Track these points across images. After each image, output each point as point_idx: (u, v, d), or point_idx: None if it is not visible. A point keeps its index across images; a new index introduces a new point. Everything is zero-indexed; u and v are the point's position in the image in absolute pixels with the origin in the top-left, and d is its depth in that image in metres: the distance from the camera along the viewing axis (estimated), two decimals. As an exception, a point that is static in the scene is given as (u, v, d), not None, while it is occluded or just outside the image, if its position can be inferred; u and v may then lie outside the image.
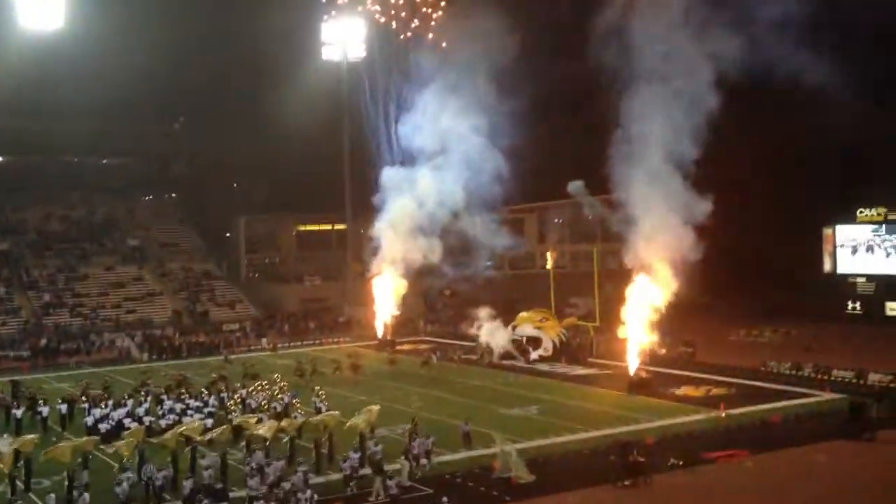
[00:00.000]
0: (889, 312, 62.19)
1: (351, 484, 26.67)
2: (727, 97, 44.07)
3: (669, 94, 43.92)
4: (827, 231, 67.02)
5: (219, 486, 25.48)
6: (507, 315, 56.47)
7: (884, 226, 63.63)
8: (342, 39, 73.64)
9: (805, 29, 43.71)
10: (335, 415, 31.46)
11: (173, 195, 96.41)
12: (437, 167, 61.57)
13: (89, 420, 35.03)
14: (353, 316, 73.46)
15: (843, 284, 65.75)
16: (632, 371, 43.49)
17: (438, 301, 79.55)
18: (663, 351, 51.46)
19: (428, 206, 61.56)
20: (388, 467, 27.02)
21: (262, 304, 77.83)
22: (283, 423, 30.72)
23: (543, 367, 50.85)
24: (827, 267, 66.98)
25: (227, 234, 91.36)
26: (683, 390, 42.01)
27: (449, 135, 61.19)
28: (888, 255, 63.15)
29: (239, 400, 37.43)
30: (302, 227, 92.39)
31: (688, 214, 43.48)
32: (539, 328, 53.99)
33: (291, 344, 64.37)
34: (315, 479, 26.87)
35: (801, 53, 44.04)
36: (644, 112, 44.35)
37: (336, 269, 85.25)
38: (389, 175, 63.43)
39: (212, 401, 37.56)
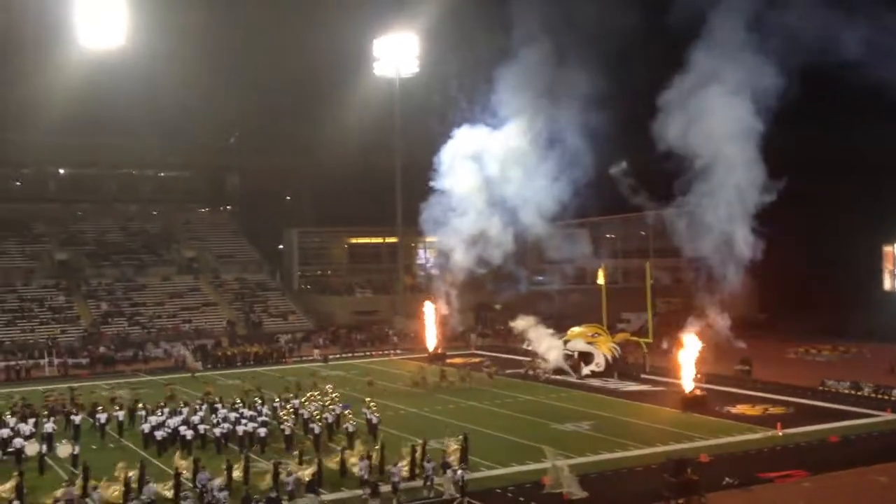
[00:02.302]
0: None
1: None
2: (793, 103, 43.66)
3: (736, 100, 43.73)
4: (887, 248, 65.49)
5: (273, 494, 25.69)
6: (559, 330, 56.22)
7: (947, 243, 62.09)
8: (394, 55, 74.18)
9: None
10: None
11: (228, 207, 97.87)
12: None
13: (146, 427, 35.59)
14: (403, 328, 73.73)
15: (903, 303, 64.17)
16: (686, 388, 42.89)
17: (488, 314, 79.48)
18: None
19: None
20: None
21: (315, 316, 78.54)
22: None
23: (595, 382, 50.44)
24: (887, 285, 65.42)
25: (280, 247, 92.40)
26: (739, 408, 41.30)
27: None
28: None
29: (291, 410, 37.70)
30: (353, 240, 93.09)
31: (749, 231, 43.27)
32: (591, 343, 53.59)
33: (343, 355, 64.83)
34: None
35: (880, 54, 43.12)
36: (708, 122, 44.15)
37: (387, 282, 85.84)
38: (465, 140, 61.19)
39: (265, 410, 37.93)
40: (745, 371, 50.77)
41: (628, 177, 54.49)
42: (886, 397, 42.39)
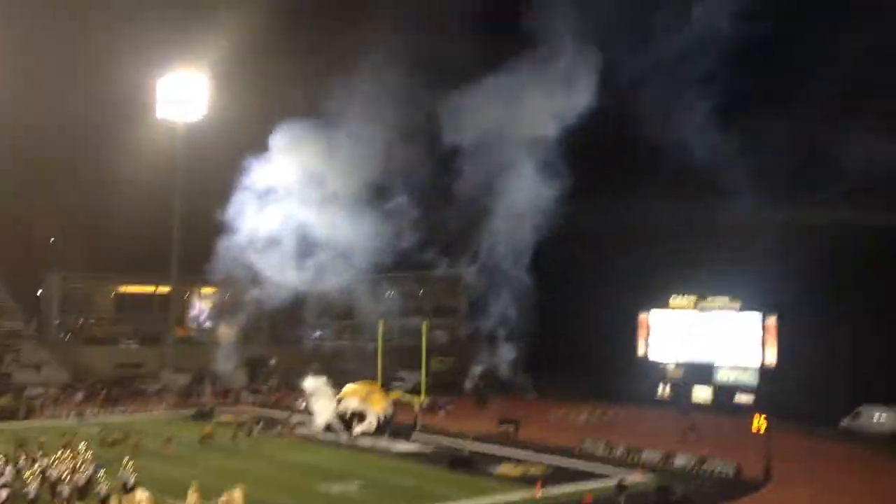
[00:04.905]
0: (695, 398, 65.55)
1: None
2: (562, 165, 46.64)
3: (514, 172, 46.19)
4: (642, 316, 70.31)
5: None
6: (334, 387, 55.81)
7: (694, 313, 67.46)
8: (179, 98, 72.00)
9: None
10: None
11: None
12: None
13: None
14: (171, 383, 70.61)
15: (654, 368, 68.92)
16: (454, 448, 43.74)
17: (262, 369, 77.78)
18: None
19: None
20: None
21: (73, 368, 73.47)
22: None
23: (367, 441, 50.31)
24: (641, 350, 70.12)
25: (40, 292, 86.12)
26: (502, 469, 42.47)
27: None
28: (697, 341, 66.81)
29: (38, 471, 34.81)
30: (123, 288, 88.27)
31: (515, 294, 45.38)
32: (364, 401, 53.49)
33: (101, 411, 60.90)
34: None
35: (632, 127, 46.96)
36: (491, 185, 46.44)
37: (155, 334, 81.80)
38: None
39: (8, 471, 34.82)
40: (511, 431, 52.53)
41: (405, 214, 55.53)
42: (636, 459, 45.15)
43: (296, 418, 54.17)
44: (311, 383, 55.60)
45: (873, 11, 50.33)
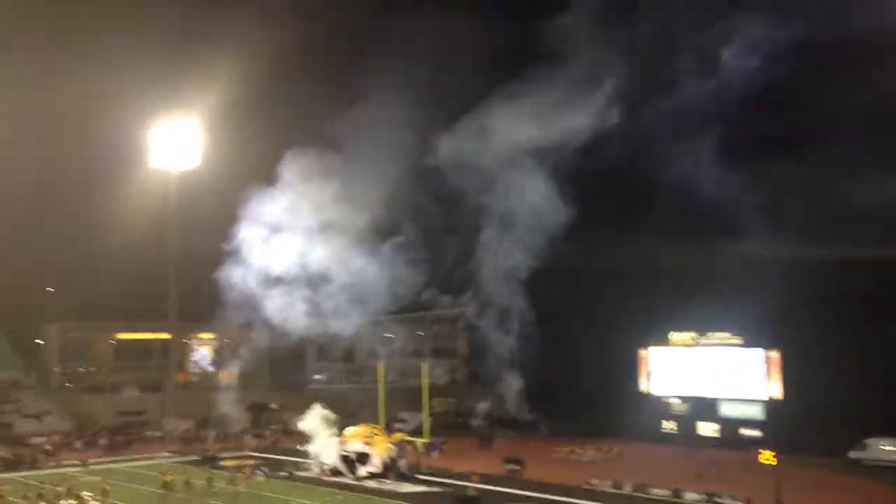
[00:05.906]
0: (700, 432, 65.26)
1: None
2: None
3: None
4: (642, 352, 70.14)
5: None
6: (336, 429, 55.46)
7: (694, 349, 67.35)
8: (171, 145, 71.97)
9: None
10: None
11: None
12: None
13: None
14: (173, 429, 70.20)
15: (657, 404, 68.62)
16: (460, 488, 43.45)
17: (264, 414, 77.34)
18: None
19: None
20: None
21: (75, 416, 73.05)
22: None
23: (372, 483, 49.94)
24: (643, 387, 69.85)
25: (39, 341, 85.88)
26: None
27: None
28: (700, 377, 66.61)
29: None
30: (121, 336, 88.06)
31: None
32: (368, 443, 53.22)
33: (104, 459, 60.46)
34: None
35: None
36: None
37: (157, 380, 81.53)
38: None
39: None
40: (516, 471, 52.18)
41: (406, 251, 55.64)
42: (644, 495, 44.84)
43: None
44: (309, 421, 55.08)
45: (884, 63, 50.84)
